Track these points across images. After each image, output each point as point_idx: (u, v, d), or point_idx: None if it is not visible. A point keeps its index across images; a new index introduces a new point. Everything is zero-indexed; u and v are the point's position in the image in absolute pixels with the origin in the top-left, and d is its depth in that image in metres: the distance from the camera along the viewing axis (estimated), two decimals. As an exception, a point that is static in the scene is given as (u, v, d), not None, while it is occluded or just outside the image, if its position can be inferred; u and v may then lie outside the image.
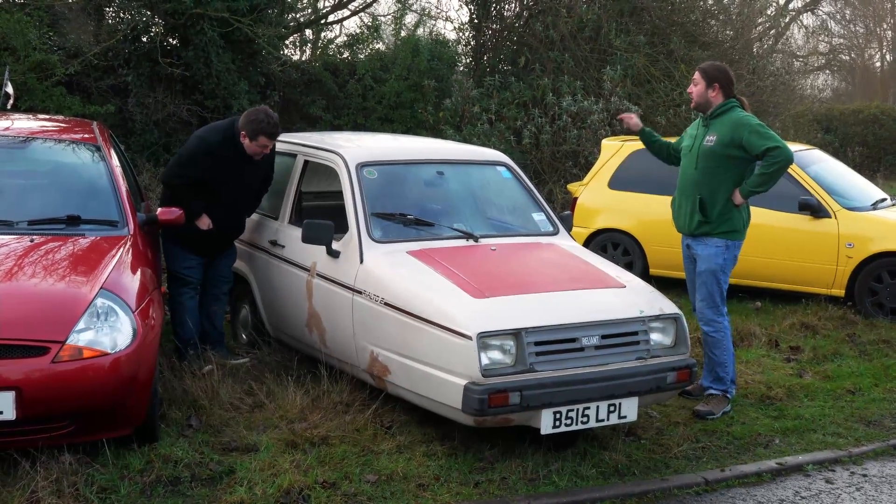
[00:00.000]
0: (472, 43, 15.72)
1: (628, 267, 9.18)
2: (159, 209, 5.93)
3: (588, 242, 9.71)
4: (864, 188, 9.72)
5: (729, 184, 6.01)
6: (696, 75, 6.15)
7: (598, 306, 5.20)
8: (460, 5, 15.86)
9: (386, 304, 5.29)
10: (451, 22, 28.28)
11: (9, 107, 6.86)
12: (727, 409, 6.08)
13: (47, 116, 8.14)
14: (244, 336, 7.06)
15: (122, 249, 5.23)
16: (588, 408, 4.93)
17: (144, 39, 12.31)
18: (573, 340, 4.97)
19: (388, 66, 14.29)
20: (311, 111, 13.56)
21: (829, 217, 8.75)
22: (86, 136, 6.35)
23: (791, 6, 27.93)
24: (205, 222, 6.27)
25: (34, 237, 5.21)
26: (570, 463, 5.08)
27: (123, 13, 12.60)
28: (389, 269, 5.47)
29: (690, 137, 6.26)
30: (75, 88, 11.74)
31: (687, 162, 6.22)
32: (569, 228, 6.42)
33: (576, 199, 10.14)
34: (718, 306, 6.11)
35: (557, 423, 4.87)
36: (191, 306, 6.44)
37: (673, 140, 6.65)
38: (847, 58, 33.71)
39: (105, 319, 4.62)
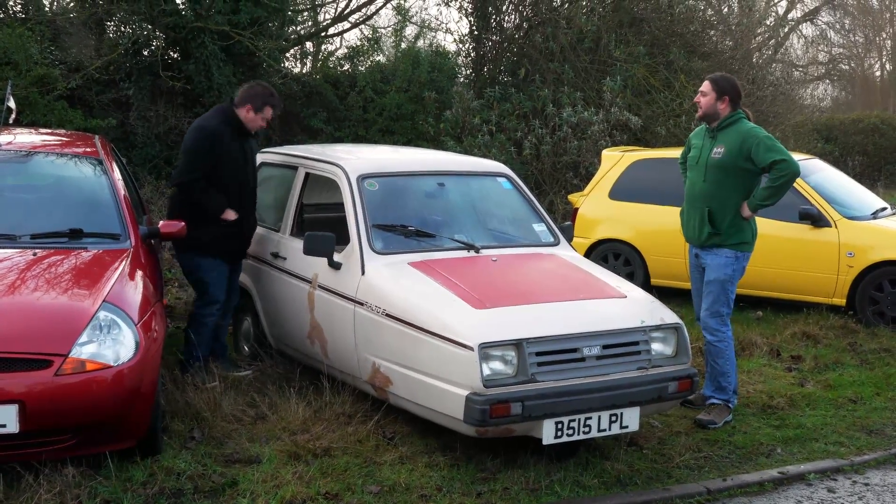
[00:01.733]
0: (472, 54, 15.76)
1: (629, 277, 9.19)
2: (161, 222, 5.94)
3: (589, 253, 9.73)
4: (865, 197, 9.74)
5: (738, 196, 6.03)
6: (707, 85, 6.12)
7: (599, 316, 5.21)
8: (460, 17, 15.89)
9: (387, 315, 5.30)
10: (451, 34, 28.31)
11: (11, 121, 6.88)
12: (728, 419, 6.09)
13: (49, 131, 8.16)
14: (246, 348, 7.07)
15: (124, 262, 5.25)
16: (590, 418, 4.94)
17: (145, 53, 12.36)
18: (574, 351, 4.98)
19: (389, 78, 14.34)
20: (311, 123, 13.59)
21: (830, 226, 8.76)
22: (88, 149, 6.37)
23: (790, 16, 28.01)
24: (231, 214, 6.26)
25: (37, 251, 5.23)
26: (571, 473, 5.09)
27: (124, 27, 12.65)
28: (391, 280, 5.49)
29: (696, 148, 6.26)
30: (77, 102, 11.78)
31: (695, 174, 6.23)
32: (569, 239, 6.43)
33: (576, 209, 10.16)
34: (723, 316, 6.13)
35: (559, 433, 4.88)
36: (212, 325, 6.46)
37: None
38: (847, 67, 33.76)
39: (108, 332, 4.63)
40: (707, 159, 6.11)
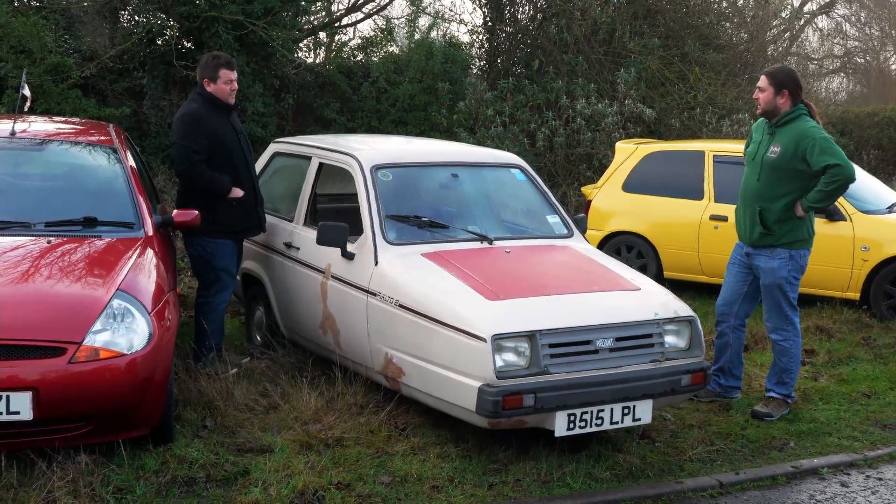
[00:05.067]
0: (485, 46, 15.74)
1: (642, 270, 9.17)
2: (175, 211, 5.94)
3: (602, 245, 9.70)
4: (880, 191, 9.68)
5: (791, 196, 5.89)
6: (763, 80, 5.97)
7: (612, 309, 5.20)
8: (474, 8, 15.89)
9: (400, 305, 5.30)
10: (465, 25, 28.26)
11: (25, 109, 6.89)
12: (785, 413, 6.08)
13: (63, 119, 8.18)
14: (258, 337, 7.08)
15: (138, 251, 5.25)
16: (602, 410, 4.93)
17: (159, 42, 12.37)
18: (587, 343, 4.97)
19: (402, 69, 14.32)
20: (325, 114, 13.60)
21: (845, 220, 8.72)
22: (102, 138, 6.38)
23: (806, 9, 27.83)
24: (238, 191, 6.27)
25: (51, 239, 5.24)
26: (584, 465, 5.08)
27: (138, 16, 12.68)
28: (404, 271, 5.48)
29: (755, 143, 6.12)
30: (91, 91, 11.81)
31: (750, 171, 6.09)
32: (583, 231, 6.41)
33: (590, 201, 10.14)
34: (787, 315, 6.04)
35: (571, 425, 4.88)
36: (223, 312, 6.51)
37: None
38: (862, 60, 33.55)
39: (121, 321, 4.64)
40: (763, 157, 5.97)
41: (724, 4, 16.55)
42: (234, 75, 6.35)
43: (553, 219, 6.38)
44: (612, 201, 9.98)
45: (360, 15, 16.68)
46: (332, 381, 5.79)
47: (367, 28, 20.11)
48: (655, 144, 10.48)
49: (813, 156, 5.78)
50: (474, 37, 15.81)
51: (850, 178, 5.82)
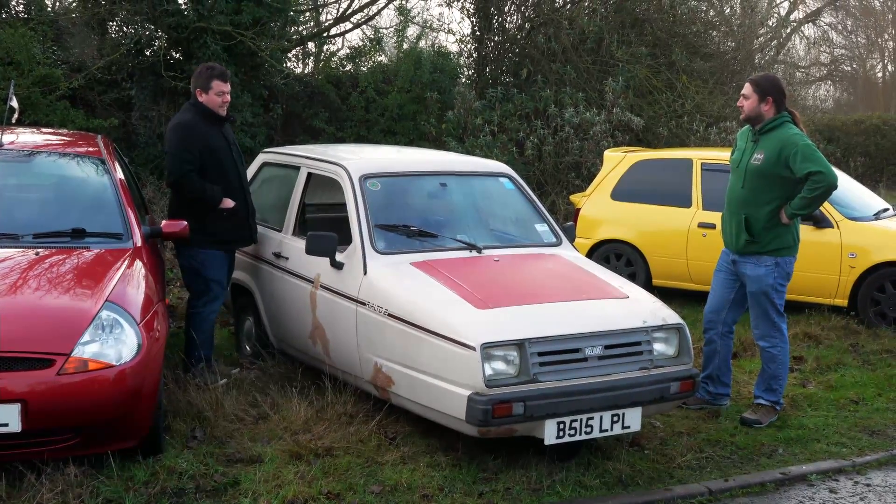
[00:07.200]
0: (474, 55, 15.78)
1: (631, 278, 9.19)
2: (164, 222, 5.94)
3: (591, 253, 9.72)
4: (867, 198, 9.71)
5: (775, 203, 5.91)
6: (748, 88, 6.00)
7: (601, 317, 5.21)
8: (462, 17, 15.97)
9: (389, 315, 5.30)
10: (454, 34, 28.33)
11: (14, 121, 6.88)
12: (774, 420, 6.10)
13: (51, 130, 8.17)
14: (248, 348, 7.07)
15: (126, 262, 5.25)
16: (592, 418, 4.94)
17: (148, 53, 12.37)
18: (576, 351, 4.98)
19: (391, 79, 14.34)
20: (314, 124, 13.60)
21: (832, 227, 8.75)
22: (90, 149, 6.37)
23: (792, 17, 27.99)
24: (229, 202, 6.27)
25: (39, 250, 5.23)
26: (573, 473, 5.09)
27: (127, 27, 12.66)
28: (393, 280, 5.49)
29: (739, 151, 6.14)
30: (79, 102, 11.79)
31: (735, 178, 6.11)
32: (571, 239, 6.43)
33: (578, 210, 10.16)
34: (774, 322, 6.06)
35: (561, 433, 4.88)
36: (213, 323, 6.51)
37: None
38: (849, 68, 33.73)
39: (110, 332, 4.63)
40: (747, 164, 5.99)
41: (712, 13, 16.63)
42: (226, 87, 6.35)
43: (542, 227, 6.39)
44: (600, 210, 10.00)
45: (348, 25, 16.69)
46: (322, 391, 5.79)
47: (355, 38, 20.12)
48: (643, 153, 10.52)
49: (796, 163, 5.81)
50: (463, 46, 15.86)
51: (833, 185, 5.85)
